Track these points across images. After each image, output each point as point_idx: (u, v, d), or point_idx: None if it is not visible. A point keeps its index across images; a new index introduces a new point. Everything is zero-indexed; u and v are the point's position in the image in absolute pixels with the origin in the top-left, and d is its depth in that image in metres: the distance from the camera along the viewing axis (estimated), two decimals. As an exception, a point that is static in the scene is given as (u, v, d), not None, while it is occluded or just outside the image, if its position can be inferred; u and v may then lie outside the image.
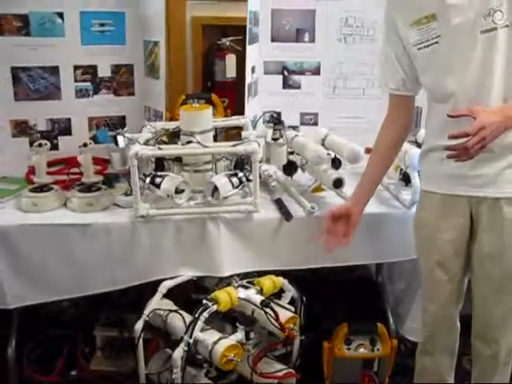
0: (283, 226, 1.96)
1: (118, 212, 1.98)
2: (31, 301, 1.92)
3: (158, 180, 1.89)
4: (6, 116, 2.33)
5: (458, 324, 1.82)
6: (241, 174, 1.93)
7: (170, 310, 1.88)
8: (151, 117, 2.41)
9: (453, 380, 1.90)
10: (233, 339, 1.75)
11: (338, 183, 1.97)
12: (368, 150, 1.97)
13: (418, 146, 2.01)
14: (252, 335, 1.85)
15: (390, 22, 1.69)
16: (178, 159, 2.01)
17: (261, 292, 1.81)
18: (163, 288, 1.92)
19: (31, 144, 2.18)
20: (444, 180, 1.66)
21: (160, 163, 1.99)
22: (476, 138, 1.40)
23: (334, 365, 2.12)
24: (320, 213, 1.96)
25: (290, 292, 1.93)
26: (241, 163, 1.99)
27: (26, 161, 2.18)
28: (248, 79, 2.29)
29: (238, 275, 1.94)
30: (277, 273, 1.92)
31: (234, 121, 2.25)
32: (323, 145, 2.14)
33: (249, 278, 1.90)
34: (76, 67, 2.37)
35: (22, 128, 2.36)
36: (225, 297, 1.74)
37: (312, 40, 2.45)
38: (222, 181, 1.89)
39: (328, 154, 1.98)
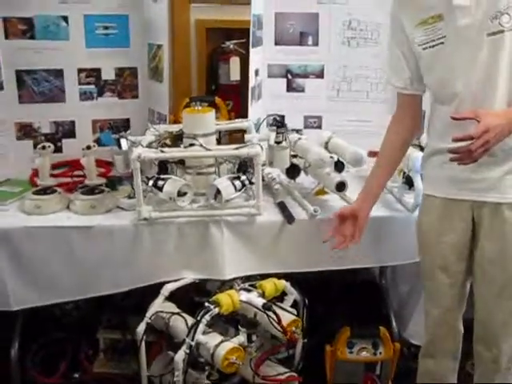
0: (286, 229, 1.96)
1: (121, 215, 1.98)
2: (34, 303, 1.93)
3: (160, 183, 1.90)
4: (10, 119, 2.34)
5: (461, 327, 1.81)
6: (243, 177, 1.93)
7: (173, 313, 1.88)
8: (155, 120, 2.42)
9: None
10: (235, 342, 1.75)
11: (340, 186, 1.97)
12: (371, 154, 1.98)
13: (421, 149, 2.01)
14: (254, 338, 1.85)
15: (396, 21, 1.69)
16: (180, 162, 2.01)
17: (263, 295, 1.81)
18: (166, 291, 1.92)
19: (35, 146, 2.18)
20: (446, 184, 1.65)
21: (163, 166, 1.99)
22: (480, 141, 1.39)
23: (337, 368, 2.12)
24: (323, 216, 1.96)
25: (293, 295, 1.92)
26: (244, 166, 1.99)
27: (30, 163, 2.19)
28: (251, 82, 2.29)
29: (241, 278, 1.94)
30: (279, 276, 1.91)
31: (238, 124, 2.25)
32: (326, 148, 2.14)
33: (251, 280, 1.90)
34: (80, 70, 2.39)
35: (26, 131, 2.37)
36: (226, 300, 1.74)
37: (315, 43, 2.45)
38: (224, 184, 1.89)
39: (331, 157, 1.98)
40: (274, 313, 1.74)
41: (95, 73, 2.41)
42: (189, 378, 1.77)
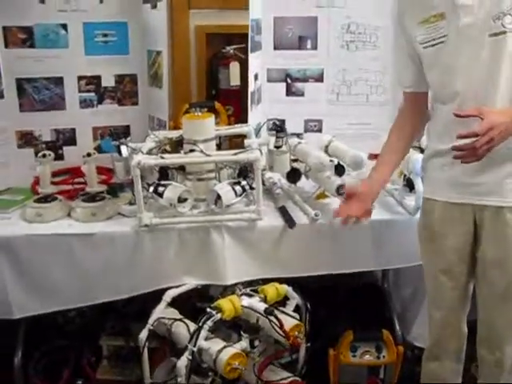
0: (287, 233, 1.96)
1: (122, 221, 1.99)
2: (36, 311, 1.94)
3: (161, 189, 1.90)
4: (11, 127, 2.34)
5: (465, 329, 1.80)
6: (244, 182, 1.93)
7: (175, 319, 1.88)
8: (155, 126, 2.42)
9: (459, 384, 1.89)
10: (237, 347, 1.75)
11: (341, 190, 1.97)
12: (371, 156, 1.97)
13: (421, 151, 2.01)
14: (257, 343, 1.84)
15: (399, 20, 1.70)
16: (181, 168, 2.01)
17: (265, 300, 1.81)
18: (168, 297, 1.92)
19: (36, 154, 2.18)
20: (447, 188, 1.65)
21: (164, 172, 1.99)
22: (485, 138, 1.39)
23: (340, 372, 2.11)
24: (324, 220, 1.96)
25: (295, 299, 1.92)
26: (244, 171, 1.99)
27: (31, 171, 2.19)
28: (251, 87, 2.29)
29: (243, 283, 1.94)
30: (281, 280, 1.91)
31: (237, 129, 2.24)
32: (326, 151, 2.14)
33: (253, 285, 1.90)
34: (80, 78, 2.39)
35: (27, 139, 2.38)
36: (228, 305, 1.73)
37: (314, 47, 2.45)
38: (224, 189, 1.89)
39: (331, 160, 1.98)
40: (276, 317, 1.74)
41: (95, 80, 2.41)
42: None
